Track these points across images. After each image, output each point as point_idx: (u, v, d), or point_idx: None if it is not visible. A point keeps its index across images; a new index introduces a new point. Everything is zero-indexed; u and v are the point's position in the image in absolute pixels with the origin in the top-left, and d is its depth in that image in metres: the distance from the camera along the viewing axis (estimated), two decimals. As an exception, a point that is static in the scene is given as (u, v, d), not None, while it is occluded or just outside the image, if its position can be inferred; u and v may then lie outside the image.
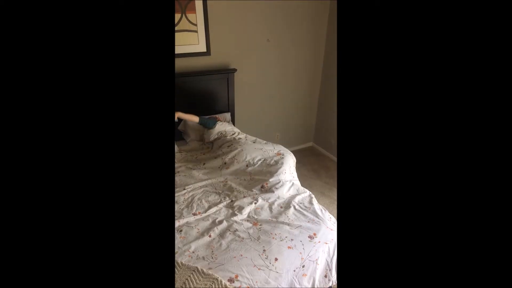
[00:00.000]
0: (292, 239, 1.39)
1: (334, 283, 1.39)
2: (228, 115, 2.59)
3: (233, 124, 2.61)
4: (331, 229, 1.48)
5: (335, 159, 3.04)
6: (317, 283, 1.32)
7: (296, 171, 2.00)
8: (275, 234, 1.42)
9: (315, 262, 1.34)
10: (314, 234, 1.43)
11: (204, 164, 2.03)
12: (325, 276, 1.36)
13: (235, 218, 1.53)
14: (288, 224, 1.49)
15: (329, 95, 3.02)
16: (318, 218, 1.54)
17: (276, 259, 1.29)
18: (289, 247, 1.35)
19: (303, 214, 1.57)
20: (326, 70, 3.00)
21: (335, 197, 2.39)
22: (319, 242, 1.40)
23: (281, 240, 1.38)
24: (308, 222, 1.51)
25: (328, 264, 1.39)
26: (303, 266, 1.31)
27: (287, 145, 3.23)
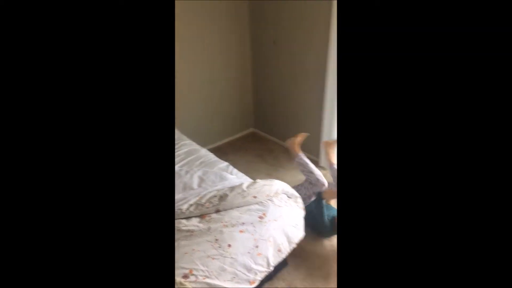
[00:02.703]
0: (243, 223, 1.41)
1: (287, 254, 1.45)
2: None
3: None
4: (279, 206, 1.54)
5: (278, 141, 3.14)
6: (272, 259, 1.36)
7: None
8: (226, 221, 1.42)
9: (267, 240, 1.38)
10: (264, 214, 1.47)
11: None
12: (279, 250, 1.42)
13: (181, 214, 1.48)
14: (237, 210, 1.50)
15: (262, 78, 3.08)
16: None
17: (229, 245, 1.29)
18: (241, 231, 1.36)
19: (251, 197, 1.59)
20: (255, 61, 3.04)
21: (282, 177, 2.48)
22: (269, 220, 1.44)
23: (232, 226, 1.39)
24: (256, 203, 1.54)
25: (279, 239, 1.44)
26: (257, 246, 1.34)
27: (228, 135, 3.24)
